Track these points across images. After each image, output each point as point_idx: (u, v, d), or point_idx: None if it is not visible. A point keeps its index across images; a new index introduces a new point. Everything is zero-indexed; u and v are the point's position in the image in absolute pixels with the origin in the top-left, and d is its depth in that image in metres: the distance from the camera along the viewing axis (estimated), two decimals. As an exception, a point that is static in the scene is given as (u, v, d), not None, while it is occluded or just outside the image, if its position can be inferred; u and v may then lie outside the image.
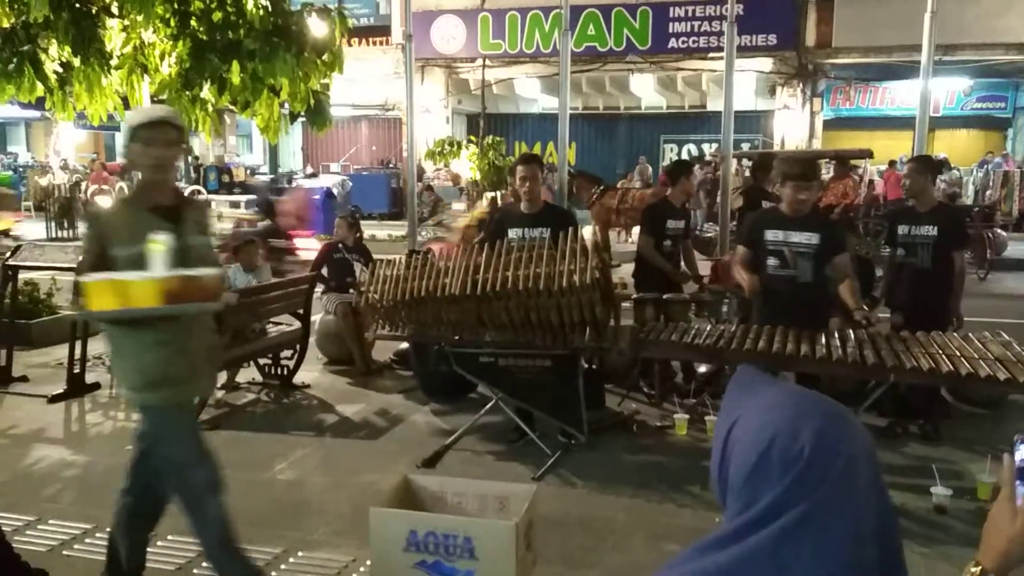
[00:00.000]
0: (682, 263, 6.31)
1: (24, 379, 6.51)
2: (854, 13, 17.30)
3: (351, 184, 18.55)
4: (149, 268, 2.80)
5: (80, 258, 3.02)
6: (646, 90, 21.66)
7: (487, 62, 19.33)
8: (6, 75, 6.87)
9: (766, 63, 18.78)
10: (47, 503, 4.32)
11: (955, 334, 4.66)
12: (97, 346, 7.01)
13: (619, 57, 19.30)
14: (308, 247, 7.84)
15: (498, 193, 11.19)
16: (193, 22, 7.15)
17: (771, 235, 4.84)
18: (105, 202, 15.84)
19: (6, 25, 6.96)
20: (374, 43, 20.66)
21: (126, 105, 7.80)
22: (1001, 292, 11.39)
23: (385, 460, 4.92)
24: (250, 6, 7.05)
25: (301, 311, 6.65)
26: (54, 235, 16.65)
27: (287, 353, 6.60)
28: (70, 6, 6.74)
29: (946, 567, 3.60)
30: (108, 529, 3.33)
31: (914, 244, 5.34)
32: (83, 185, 18.95)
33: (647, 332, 4.93)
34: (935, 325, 4.84)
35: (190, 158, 20.98)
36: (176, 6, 7.09)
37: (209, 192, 17.52)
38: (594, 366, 5.83)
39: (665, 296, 5.81)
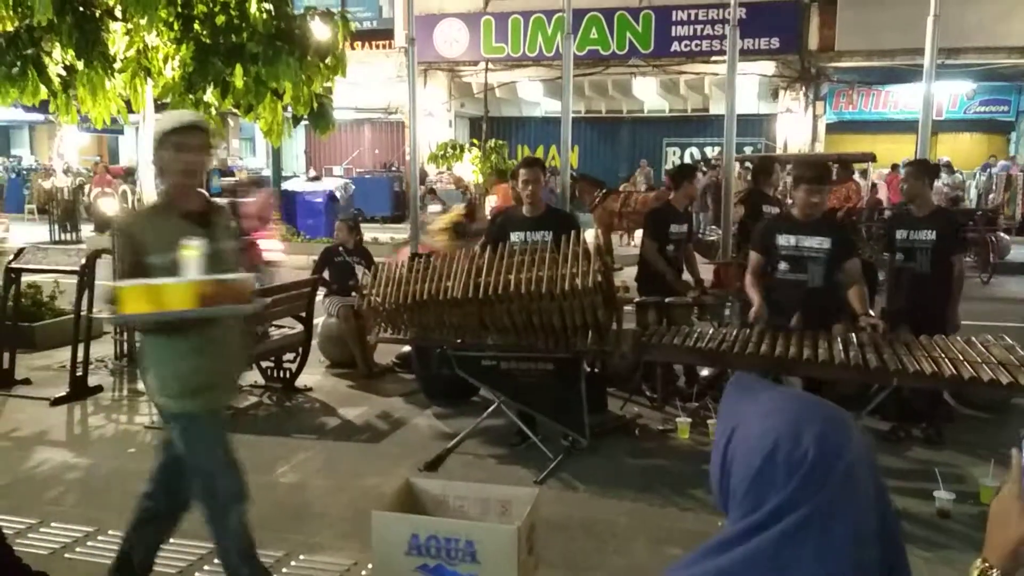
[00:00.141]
0: (684, 268, 6.32)
1: (27, 382, 6.52)
2: (857, 16, 17.29)
3: (354, 187, 18.56)
4: (183, 273, 2.80)
5: (113, 266, 2.99)
6: (649, 93, 21.66)
7: (490, 65, 19.34)
8: (10, 78, 6.89)
9: (769, 67, 18.77)
10: (49, 506, 4.33)
11: (957, 338, 4.65)
12: (100, 349, 7.04)
13: (622, 60, 19.30)
14: (271, 248, 7.83)
15: (476, 196, 11.14)
16: (196, 26, 7.17)
17: (783, 240, 4.85)
18: (108, 205, 15.90)
19: (10, 28, 6.98)
20: (377, 46, 20.68)
21: (129, 108, 7.82)
22: (1004, 296, 11.37)
23: (387, 463, 4.92)
24: (253, 10, 7.07)
25: (303, 314, 6.65)
26: (57, 238, 16.67)
27: (289, 356, 6.60)
28: (74, 9, 6.76)
29: (949, 571, 3.59)
30: (124, 529, 3.31)
31: (913, 249, 5.33)
32: (86, 188, 18.98)
33: (649, 335, 4.93)
34: (935, 330, 4.83)
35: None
36: (179, 10, 7.11)
37: (212, 196, 17.50)
38: (596, 370, 5.82)
39: (667, 300, 5.81)
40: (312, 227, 16.23)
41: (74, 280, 6.34)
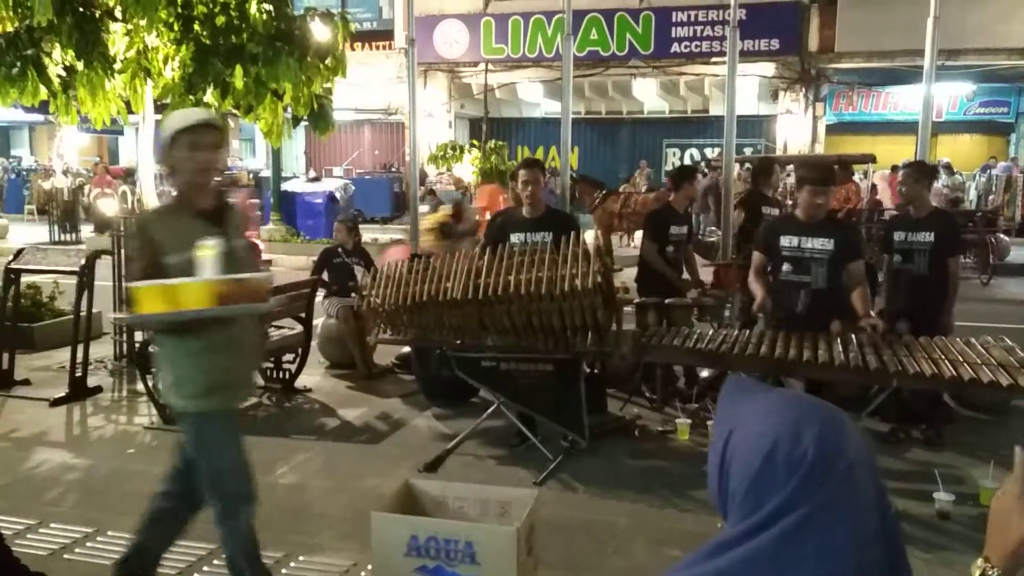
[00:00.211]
0: (683, 269, 6.32)
1: (26, 382, 6.52)
2: (857, 18, 17.29)
3: (354, 188, 18.56)
4: (199, 272, 2.79)
5: (129, 266, 2.98)
6: (649, 95, 21.67)
7: (490, 66, 19.35)
8: (10, 79, 6.90)
9: (769, 68, 18.78)
10: (48, 507, 4.32)
11: (957, 339, 4.65)
12: (99, 350, 7.03)
13: (622, 61, 19.31)
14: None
15: (464, 196, 11.12)
16: (196, 26, 7.17)
17: (785, 240, 4.86)
18: (108, 205, 15.89)
19: (10, 29, 6.98)
20: (377, 47, 20.68)
21: (129, 109, 7.83)
22: (1003, 297, 11.38)
23: (386, 464, 4.92)
24: (253, 10, 7.07)
25: (303, 315, 6.65)
26: (57, 238, 16.66)
27: (289, 357, 6.60)
28: (74, 10, 6.77)
29: (949, 572, 3.59)
30: (136, 528, 3.30)
31: (911, 250, 5.34)
32: (86, 188, 18.98)
33: (649, 336, 4.93)
34: (933, 331, 4.84)
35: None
36: (179, 10, 7.12)
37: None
38: (596, 370, 5.83)
39: (667, 300, 5.81)
40: (312, 228, 16.22)
41: (74, 281, 6.34)
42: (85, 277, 6.23)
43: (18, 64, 6.86)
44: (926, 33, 6.79)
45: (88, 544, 3.88)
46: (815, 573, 1.00)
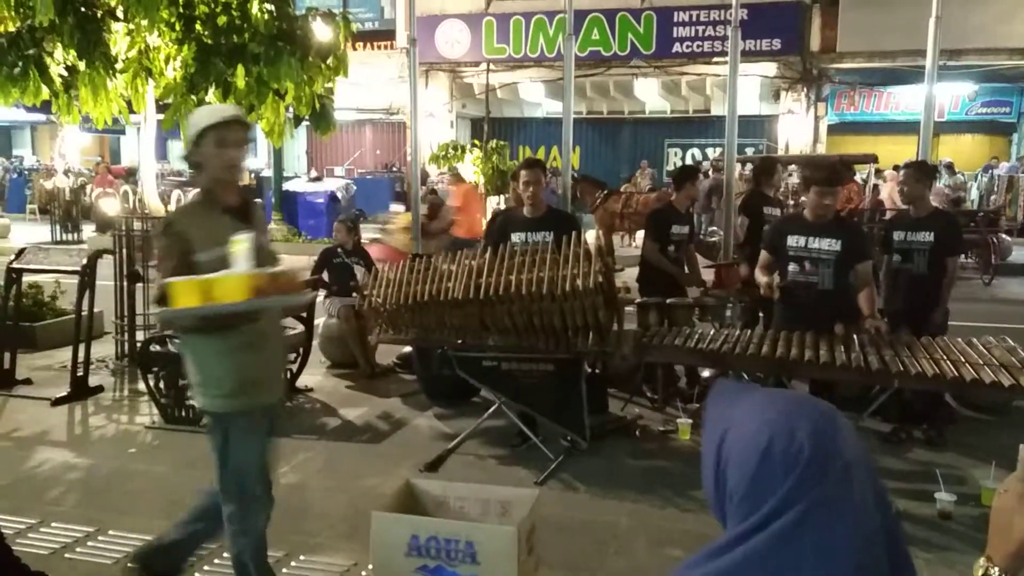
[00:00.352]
0: (685, 269, 6.31)
1: (28, 382, 6.52)
2: (859, 18, 17.28)
3: (355, 188, 18.57)
4: (234, 266, 2.74)
5: (160, 264, 2.94)
6: (650, 94, 21.66)
7: (491, 66, 19.35)
8: (11, 78, 6.91)
9: (770, 68, 18.77)
10: (49, 506, 4.32)
11: (959, 339, 4.64)
12: (100, 349, 7.04)
13: (623, 61, 19.31)
14: None
15: (437, 193, 11.07)
16: (198, 26, 7.18)
17: (792, 241, 4.85)
18: (109, 205, 15.90)
19: (12, 29, 6.99)
20: (378, 47, 20.69)
21: (130, 109, 7.83)
22: (1005, 297, 11.36)
23: (387, 464, 4.92)
24: (255, 10, 7.08)
25: (304, 315, 6.65)
26: (58, 238, 16.68)
27: (290, 356, 6.59)
28: (75, 10, 6.77)
29: (950, 573, 3.58)
30: (178, 521, 3.30)
31: (910, 250, 5.33)
32: (88, 188, 19.00)
33: (650, 336, 4.93)
34: (927, 329, 4.84)
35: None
36: (181, 10, 7.12)
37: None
38: (597, 370, 5.82)
39: (669, 300, 5.80)
40: (313, 227, 16.25)
41: (75, 280, 6.34)
42: (87, 277, 6.24)
43: (20, 64, 6.87)
44: (928, 33, 6.78)
45: (89, 544, 3.88)
46: (815, 572, 0.99)
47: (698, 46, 18.54)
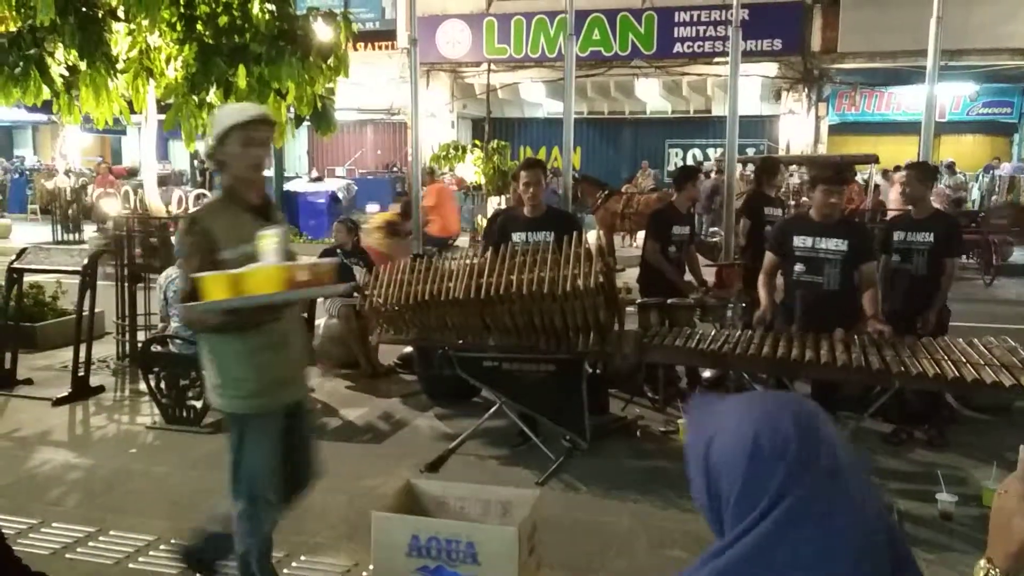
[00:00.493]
0: (686, 269, 6.31)
1: (28, 382, 6.52)
2: (859, 18, 17.27)
3: (356, 188, 18.57)
4: (264, 260, 2.73)
5: (185, 262, 2.92)
6: (651, 95, 21.65)
7: (492, 66, 19.34)
8: (12, 79, 6.91)
9: (771, 68, 18.76)
10: (50, 506, 4.32)
11: (959, 339, 4.64)
12: (101, 349, 7.04)
13: (624, 62, 19.30)
14: None
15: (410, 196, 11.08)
16: (199, 26, 7.19)
17: (798, 241, 4.85)
18: (110, 205, 15.90)
19: (13, 29, 7.00)
20: (379, 47, 20.68)
21: (131, 109, 7.84)
22: (1006, 298, 11.36)
23: (388, 464, 4.92)
24: (256, 10, 7.08)
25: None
26: (60, 238, 16.68)
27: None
28: (76, 10, 6.78)
29: (951, 574, 3.58)
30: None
31: (910, 251, 5.33)
32: (89, 188, 19.00)
33: (651, 337, 4.92)
34: (924, 329, 4.83)
35: (195, 162, 21.05)
36: (182, 10, 7.13)
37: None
38: (598, 371, 5.82)
39: (669, 301, 5.80)
40: (315, 228, 16.24)
41: (76, 280, 6.34)
42: (88, 277, 6.24)
43: (21, 64, 6.87)
44: (929, 33, 6.77)
45: (90, 544, 3.88)
46: (815, 568, 0.99)
47: (699, 46, 18.53)
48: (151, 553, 3.79)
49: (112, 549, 3.81)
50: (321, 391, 6.55)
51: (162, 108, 8.84)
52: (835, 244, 4.75)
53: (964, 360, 4.23)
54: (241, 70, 7.03)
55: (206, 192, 16.92)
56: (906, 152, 16.95)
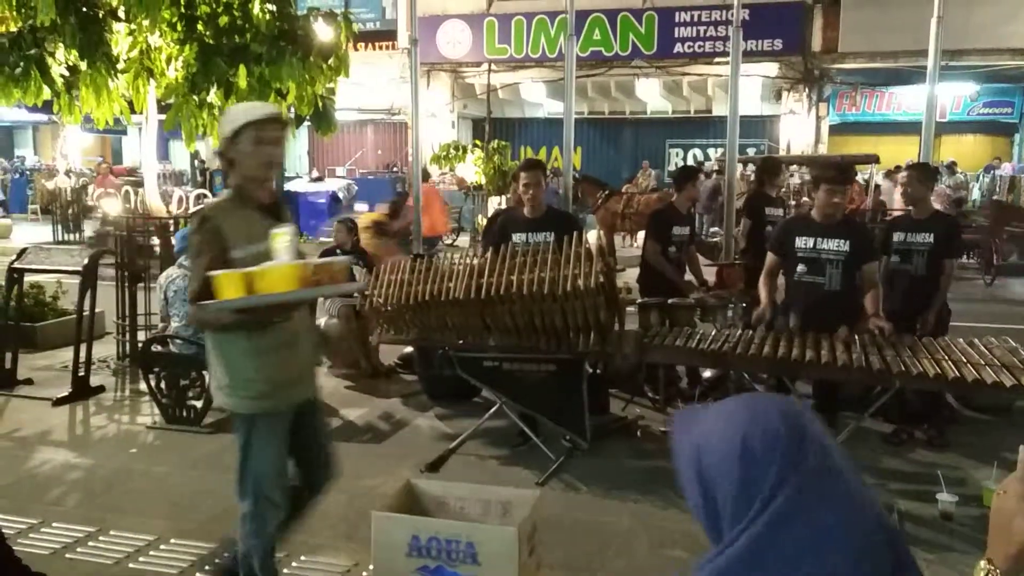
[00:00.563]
0: (686, 269, 6.31)
1: (29, 382, 6.52)
2: (860, 18, 17.27)
3: (356, 188, 18.58)
4: (278, 258, 2.72)
5: (195, 260, 2.89)
6: (651, 95, 21.65)
7: (493, 67, 19.35)
8: (13, 79, 6.92)
9: (772, 68, 18.76)
10: (51, 506, 4.33)
11: (960, 339, 4.63)
12: (102, 349, 7.04)
13: (625, 62, 19.30)
14: None
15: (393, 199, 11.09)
16: (200, 26, 7.19)
17: (800, 241, 4.84)
18: (111, 205, 15.91)
19: (13, 29, 7.00)
20: (380, 47, 20.69)
21: (132, 109, 7.84)
22: (1007, 298, 11.35)
23: (388, 464, 4.92)
24: (256, 10, 7.08)
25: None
26: (60, 238, 16.68)
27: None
28: (77, 10, 6.78)
29: (951, 574, 3.58)
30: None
31: (910, 251, 5.33)
32: (89, 188, 19.00)
33: (651, 337, 4.92)
34: (923, 329, 4.83)
35: (196, 162, 21.06)
36: (183, 10, 7.13)
37: (215, 196, 17.51)
38: (598, 371, 5.82)
39: (670, 301, 5.80)
40: (315, 228, 16.24)
41: (76, 280, 6.34)
42: (88, 277, 6.24)
43: (21, 64, 6.88)
44: (930, 33, 6.77)
45: (90, 544, 3.88)
46: (815, 565, 0.99)
47: (700, 46, 18.54)
48: (151, 553, 3.79)
49: (112, 549, 3.81)
50: (321, 391, 6.54)
51: (162, 108, 8.84)
52: (837, 245, 4.75)
53: (964, 360, 4.23)
54: (242, 70, 7.04)
55: (207, 192, 16.93)
56: (907, 152, 16.97)
